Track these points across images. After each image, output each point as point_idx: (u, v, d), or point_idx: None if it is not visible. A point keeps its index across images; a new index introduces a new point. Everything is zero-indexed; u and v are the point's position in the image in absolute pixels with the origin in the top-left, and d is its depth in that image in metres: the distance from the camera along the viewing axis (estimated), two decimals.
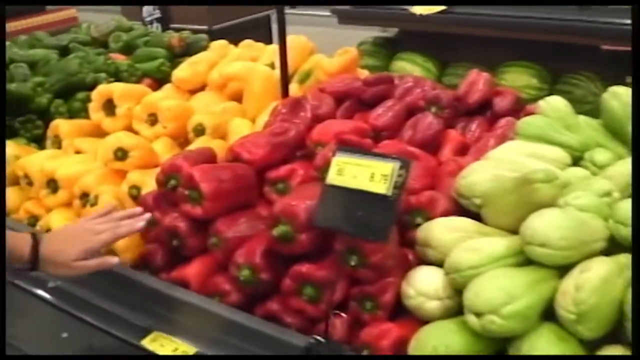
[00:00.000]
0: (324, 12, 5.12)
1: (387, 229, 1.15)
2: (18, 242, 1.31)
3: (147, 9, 6.40)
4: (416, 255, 1.34)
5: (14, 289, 1.62)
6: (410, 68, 3.86)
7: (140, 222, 1.38)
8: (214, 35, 2.97)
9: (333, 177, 1.20)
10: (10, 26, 7.75)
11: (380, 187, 1.15)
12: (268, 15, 6.20)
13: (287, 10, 6.79)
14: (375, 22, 4.15)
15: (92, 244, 1.32)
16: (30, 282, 1.60)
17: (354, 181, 1.18)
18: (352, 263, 1.20)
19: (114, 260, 1.34)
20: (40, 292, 1.58)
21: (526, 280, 1.13)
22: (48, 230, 1.71)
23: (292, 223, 1.26)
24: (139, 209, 1.44)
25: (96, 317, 1.46)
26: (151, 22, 6.57)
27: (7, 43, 2.75)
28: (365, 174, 1.17)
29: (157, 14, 6.47)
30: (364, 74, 2.25)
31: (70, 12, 8.90)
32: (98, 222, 1.37)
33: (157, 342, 1.36)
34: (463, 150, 1.76)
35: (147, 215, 1.41)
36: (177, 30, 2.92)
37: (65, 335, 1.43)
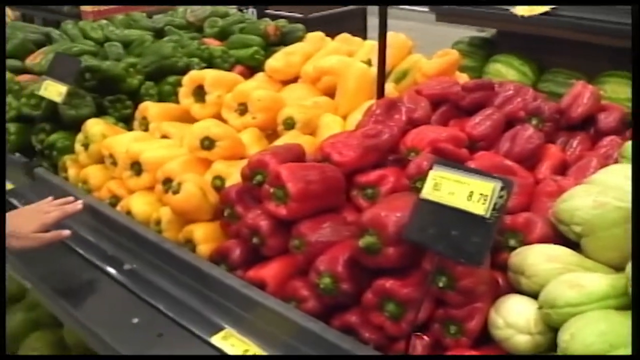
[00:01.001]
0: (422, 8, 5.02)
1: (482, 253, 1.08)
2: None
3: None
4: (507, 280, 1.26)
5: (88, 265, 1.64)
6: (506, 71, 3.75)
7: (79, 205, 1.60)
8: (308, 24, 2.93)
9: (428, 192, 1.14)
10: (116, 7, 7.99)
11: (479, 208, 1.08)
12: (364, 8, 6.14)
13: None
14: (474, 22, 4.05)
15: (47, 220, 1.55)
16: (105, 261, 1.61)
17: (451, 198, 1.11)
18: (440, 284, 1.14)
19: (66, 232, 1.54)
20: (115, 273, 1.58)
21: (630, 327, 1.03)
22: (128, 212, 1.71)
23: (379, 234, 1.20)
24: (71, 198, 1.65)
25: (168, 306, 1.45)
26: (247, 7, 6.63)
27: (104, 22, 2.79)
28: (463, 191, 1.10)
29: None
30: (462, 77, 2.17)
31: None
32: (46, 205, 1.62)
33: (228, 341, 1.34)
34: (562, 168, 1.67)
35: (80, 201, 1.62)
36: (273, 17, 2.89)
37: (136, 320, 1.43)
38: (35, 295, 2.27)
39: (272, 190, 1.40)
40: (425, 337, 1.18)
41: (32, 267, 1.68)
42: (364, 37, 2.56)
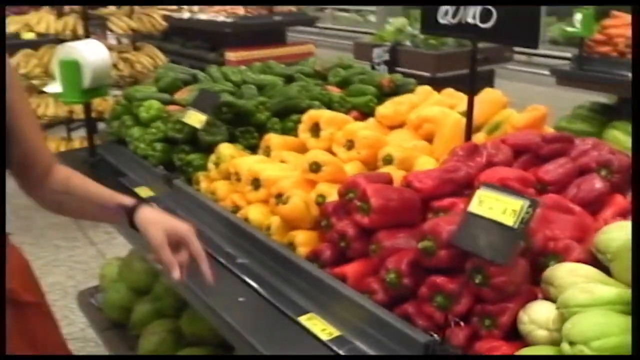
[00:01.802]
0: (543, 70, 5.31)
1: (509, 255, 1.42)
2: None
3: (377, 52, 6.99)
4: (542, 292, 1.58)
5: (209, 258, 2.07)
6: (623, 138, 3.90)
7: (175, 274, 1.61)
8: (434, 83, 3.30)
9: (474, 206, 1.50)
10: (254, 53, 8.78)
11: (509, 220, 1.42)
12: (492, 70, 6.50)
13: (509, 65, 7.06)
14: (594, 87, 4.22)
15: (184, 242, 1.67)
16: (222, 256, 2.05)
17: (490, 212, 1.46)
18: (477, 281, 1.48)
19: (176, 274, 1.61)
20: (229, 265, 2.01)
21: (624, 324, 1.34)
22: (245, 219, 2.15)
23: (435, 240, 1.56)
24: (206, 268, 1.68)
25: (268, 291, 1.86)
26: (379, 64, 7.14)
27: (243, 67, 3.32)
28: (499, 207, 1.45)
29: (386, 56, 7.02)
30: (550, 131, 2.48)
31: (308, 47, 9.82)
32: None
33: (311, 321, 1.72)
34: (625, 215, 1.94)
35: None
36: (402, 74, 3.31)
37: (241, 299, 1.85)
38: (163, 282, 2.77)
39: (358, 204, 1.80)
40: (462, 324, 1.52)
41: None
42: None
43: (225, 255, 2.06)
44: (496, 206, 1.46)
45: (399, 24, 7.15)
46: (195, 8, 9.97)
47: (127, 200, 1.76)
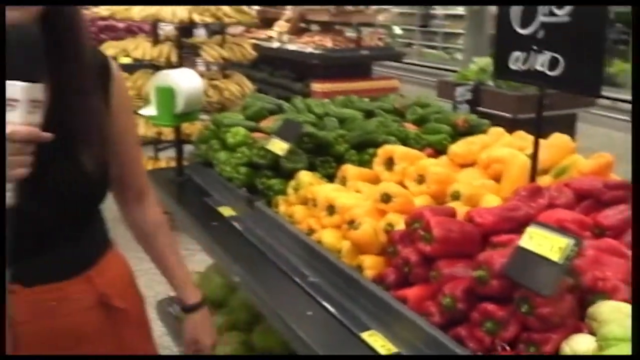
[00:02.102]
0: (625, 116, 5.38)
1: (553, 288, 1.58)
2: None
3: (460, 91, 7.15)
4: (587, 327, 1.73)
5: (283, 275, 2.29)
6: None
7: None
8: (515, 124, 3.45)
9: (524, 241, 1.67)
10: (339, 85, 9.07)
11: (555, 256, 1.59)
12: (574, 113, 6.57)
13: (593, 110, 7.11)
14: None
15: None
16: (295, 274, 2.27)
17: (538, 248, 1.63)
18: (523, 310, 1.65)
19: None
20: (301, 282, 2.22)
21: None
22: (319, 241, 2.36)
23: (488, 270, 1.74)
24: None
25: (335, 308, 2.06)
26: (461, 103, 7.30)
27: (326, 100, 3.56)
28: (547, 243, 1.62)
29: (469, 96, 7.18)
30: (615, 178, 2.61)
31: (393, 82, 10.06)
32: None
33: (372, 337, 1.91)
34: None
35: None
36: (483, 113, 3.48)
37: (309, 313, 2.05)
38: (238, 296, 3.00)
39: (422, 233, 1.98)
40: (508, 348, 1.68)
41: (239, 268, 2.38)
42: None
43: (299, 274, 2.27)
44: (544, 243, 1.63)
45: (483, 63, 7.31)
46: (285, 38, 10.34)
47: (191, 299, 2.09)
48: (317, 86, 9.10)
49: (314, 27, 10.54)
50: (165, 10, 5.47)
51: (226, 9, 5.75)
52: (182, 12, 5.47)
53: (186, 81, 3.06)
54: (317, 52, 9.25)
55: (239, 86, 6.17)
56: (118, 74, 1.84)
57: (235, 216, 2.79)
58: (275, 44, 10.31)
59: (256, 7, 12.50)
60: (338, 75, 9.19)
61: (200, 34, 9.13)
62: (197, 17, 5.52)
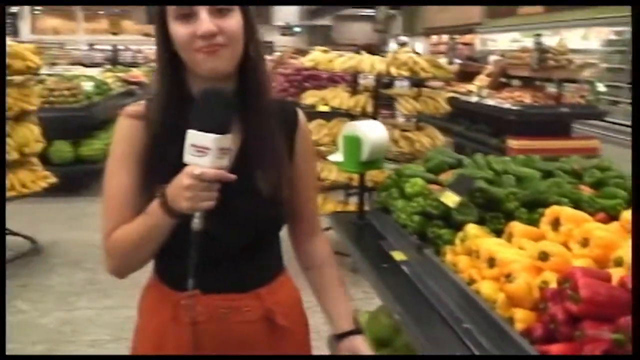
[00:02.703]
0: None
1: None
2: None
3: None
4: None
5: (442, 319, 2.48)
6: None
7: None
8: None
9: None
10: (536, 143, 9.02)
11: None
12: None
13: None
14: None
15: None
16: (451, 319, 2.44)
17: None
18: None
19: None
20: (455, 327, 2.40)
21: None
22: (477, 291, 2.53)
23: (625, 334, 1.83)
24: None
25: (479, 349, 2.21)
26: None
27: (507, 158, 3.71)
28: None
29: None
30: None
31: (593, 142, 9.80)
32: None
33: None
34: None
35: None
36: None
37: (458, 354, 2.23)
38: (403, 337, 3.20)
39: (570, 293, 2.10)
40: None
41: (401, 308, 2.59)
42: None
43: (454, 319, 2.45)
44: None
45: None
46: (484, 92, 10.47)
47: (346, 327, 2.20)
48: (513, 142, 9.13)
49: (515, 82, 10.59)
50: (365, 63, 5.86)
51: (423, 63, 6.04)
52: (380, 65, 5.83)
53: (372, 132, 3.35)
54: (514, 107, 9.29)
55: (430, 138, 6.42)
56: (303, 123, 2.16)
57: (405, 260, 3.01)
58: (473, 98, 10.47)
59: (458, 61, 12.73)
60: (535, 132, 9.16)
61: (402, 85, 9.52)
62: (394, 71, 5.86)
